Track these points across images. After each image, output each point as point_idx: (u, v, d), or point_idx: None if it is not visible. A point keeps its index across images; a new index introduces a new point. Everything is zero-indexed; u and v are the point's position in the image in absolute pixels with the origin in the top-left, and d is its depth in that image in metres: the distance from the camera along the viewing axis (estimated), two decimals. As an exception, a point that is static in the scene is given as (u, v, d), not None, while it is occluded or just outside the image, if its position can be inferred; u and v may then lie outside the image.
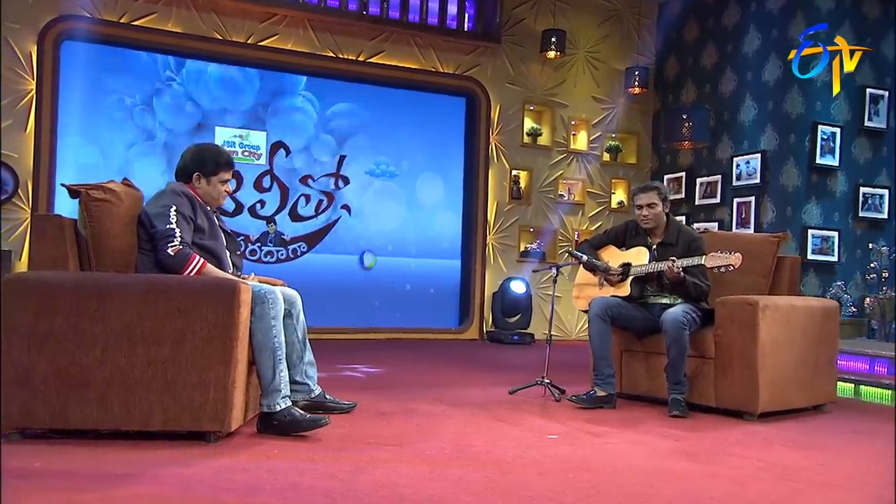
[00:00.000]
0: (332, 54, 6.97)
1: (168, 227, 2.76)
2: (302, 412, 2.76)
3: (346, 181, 7.25)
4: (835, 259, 6.62)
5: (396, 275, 7.39)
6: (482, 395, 3.85)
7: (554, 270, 4.15)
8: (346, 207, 7.25)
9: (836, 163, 6.64)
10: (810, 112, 6.61)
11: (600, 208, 8.09)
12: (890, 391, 4.16)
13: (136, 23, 6.23)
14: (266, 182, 6.95)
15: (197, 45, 6.46)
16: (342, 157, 7.23)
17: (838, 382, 4.38)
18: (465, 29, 7.48)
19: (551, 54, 7.51)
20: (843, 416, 3.65)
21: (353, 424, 2.95)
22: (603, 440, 2.87)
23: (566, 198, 7.98)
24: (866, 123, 6.76)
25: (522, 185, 7.85)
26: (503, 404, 3.60)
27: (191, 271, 2.73)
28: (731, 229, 7.06)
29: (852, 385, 4.37)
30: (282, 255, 7.02)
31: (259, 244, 6.93)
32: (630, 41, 8.17)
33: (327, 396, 3.19)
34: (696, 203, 7.59)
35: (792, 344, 3.51)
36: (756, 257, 3.93)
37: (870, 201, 6.81)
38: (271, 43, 6.74)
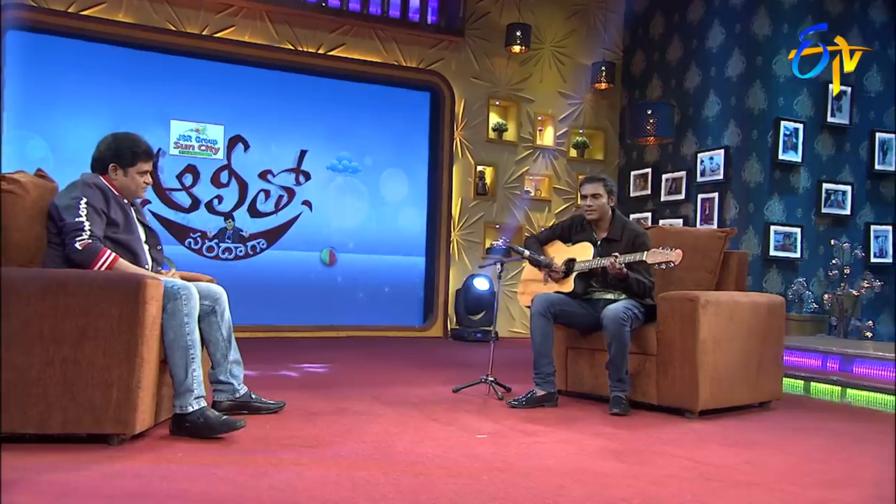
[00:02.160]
0: (290, 47, 6.84)
1: (77, 220, 2.63)
2: (217, 414, 2.64)
3: (307, 176, 7.12)
4: (797, 255, 6.59)
5: (359, 272, 7.28)
6: (424, 394, 3.76)
7: (498, 266, 4.06)
8: (308, 203, 7.13)
9: (798, 159, 6.61)
10: (773, 108, 6.58)
11: (567, 205, 8.02)
12: (838, 388, 4.12)
13: (84, 13, 6.07)
14: (224, 177, 6.81)
15: (149, 36, 6.31)
16: (303, 152, 7.11)
17: (790, 379, 4.34)
18: (429, 22, 7.37)
19: (516, 49, 7.44)
20: (788, 413, 3.59)
21: (276, 425, 2.85)
22: (532, 439, 2.79)
23: (532, 194, 7.91)
24: (829, 119, 6.74)
25: (488, 181, 7.76)
26: (442, 403, 3.51)
27: (101, 266, 2.61)
28: (695, 225, 7.02)
29: (802, 382, 4.33)
30: (240, 251, 6.89)
31: (217, 241, 6.79)
32: (597, 36, 8.10)
33: (253, 396, 3.08)
34: (662, 199, 7.55)
35: (735, 340, 3.45)
36: (703, 253, 3.87)
37: (832, 197, 6.79)
38: (227, 35, 6.60)
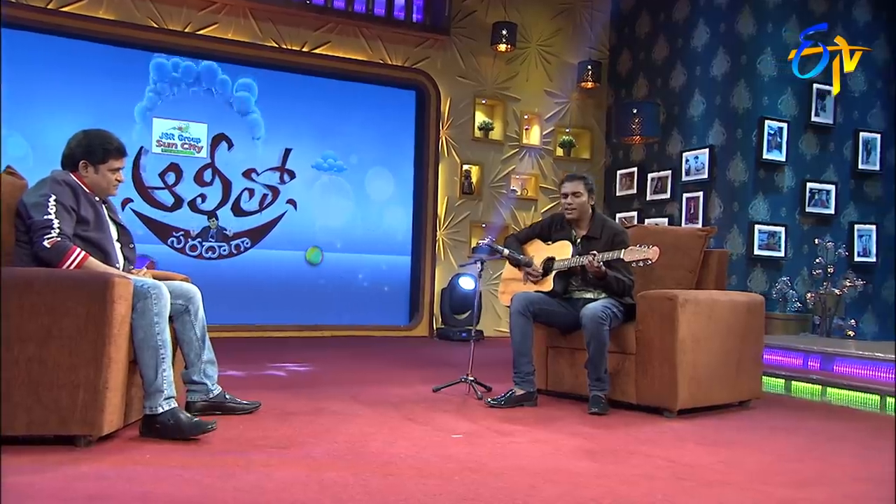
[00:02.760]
0: (274, 44, 6.79)
1: (45, 217, 2.59)
2: (188, 416, 2.61)
3: (292, 175, 7.08)
4: (781, 254, 6.60)
5: (344, 271, 7.24)
6: (403, 394, 3.73)
7: (479, 264, 4.04)
8: (292, 202, 7.08)
9: (782, 158, 6.62)
10: (757, 107, 6.58)
11: (553, 203, 8.00)
12: (818, 387, 4.12)
13: (64, 9, 6.00)
14: (207, 176, 6.75)
15: (131, 33, 6.25)
16: (288, 151, 7.06)
17: (771, 378, 4.35)
18: (414, 20, 7.34)
19: (502, 47, 7.43)
20: (767, 412, 3.59)
21: (250, 425, 2.82)
22: (507, 439, 2.77)
23: (518, 193, 7.90)
24: (813, 119, 6.75)
25: (474, 179, 7.74)
26: (421, 403, 3.48)
27: (70, 265, 2.57)
28: (680, 224, 7.02)
29: (783, 381, 4.33)
30: (224, 250, 6.83)
31: (200, 240, 6.73)
32: (583, 35, 8.09)
33: (227, 396, 3.04)
34: (648, 198, 7.55)
35: (714, 339, 3.44)
36: (684, 252, 3.86)
37: (816, 197, 6.80)
38: (210, 32, 6.54)
